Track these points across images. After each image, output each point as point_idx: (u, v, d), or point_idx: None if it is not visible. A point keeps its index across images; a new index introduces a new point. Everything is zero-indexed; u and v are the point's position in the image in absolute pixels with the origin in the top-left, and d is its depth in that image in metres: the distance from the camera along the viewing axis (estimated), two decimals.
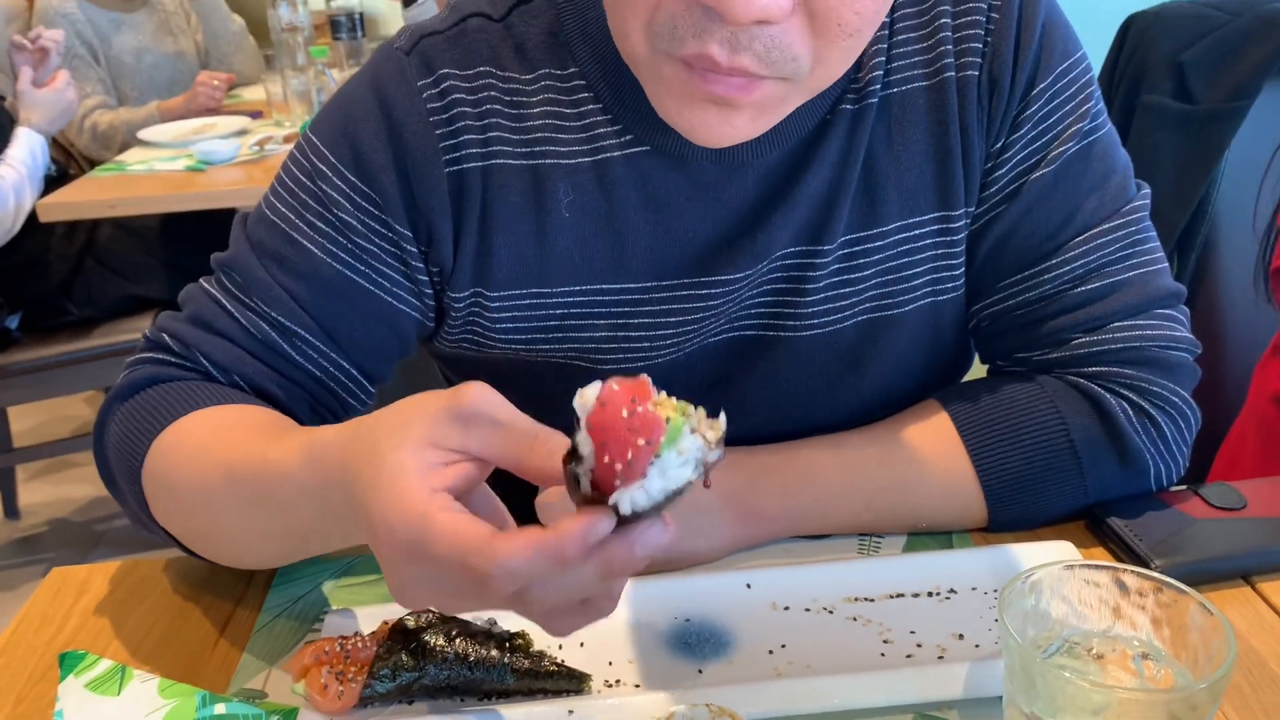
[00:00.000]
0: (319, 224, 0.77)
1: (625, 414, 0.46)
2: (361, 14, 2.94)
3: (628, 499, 0.47)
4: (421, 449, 0.51)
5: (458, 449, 0.52)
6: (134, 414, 0.75)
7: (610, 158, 0.76)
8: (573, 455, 0.48)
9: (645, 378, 0.48)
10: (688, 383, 0.83)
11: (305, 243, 0.76)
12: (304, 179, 0.78)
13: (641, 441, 0.46)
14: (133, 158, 2.60)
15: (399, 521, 0.50)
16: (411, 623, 0.65)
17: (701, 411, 0.49)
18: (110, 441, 0.77)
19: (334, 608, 0.75)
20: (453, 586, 0.50)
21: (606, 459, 0.47)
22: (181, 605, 0.77)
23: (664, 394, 0.48)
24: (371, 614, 0.71)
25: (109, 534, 2.69)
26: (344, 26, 2.89)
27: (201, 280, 0.80)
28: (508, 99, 0.77)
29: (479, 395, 0.52)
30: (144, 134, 2.72)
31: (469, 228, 0.77)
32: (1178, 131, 1.34)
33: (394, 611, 0.70)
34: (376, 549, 0.52)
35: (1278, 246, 1.16)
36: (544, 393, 0.71)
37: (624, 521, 0.48)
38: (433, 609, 0.66)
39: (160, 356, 0.78)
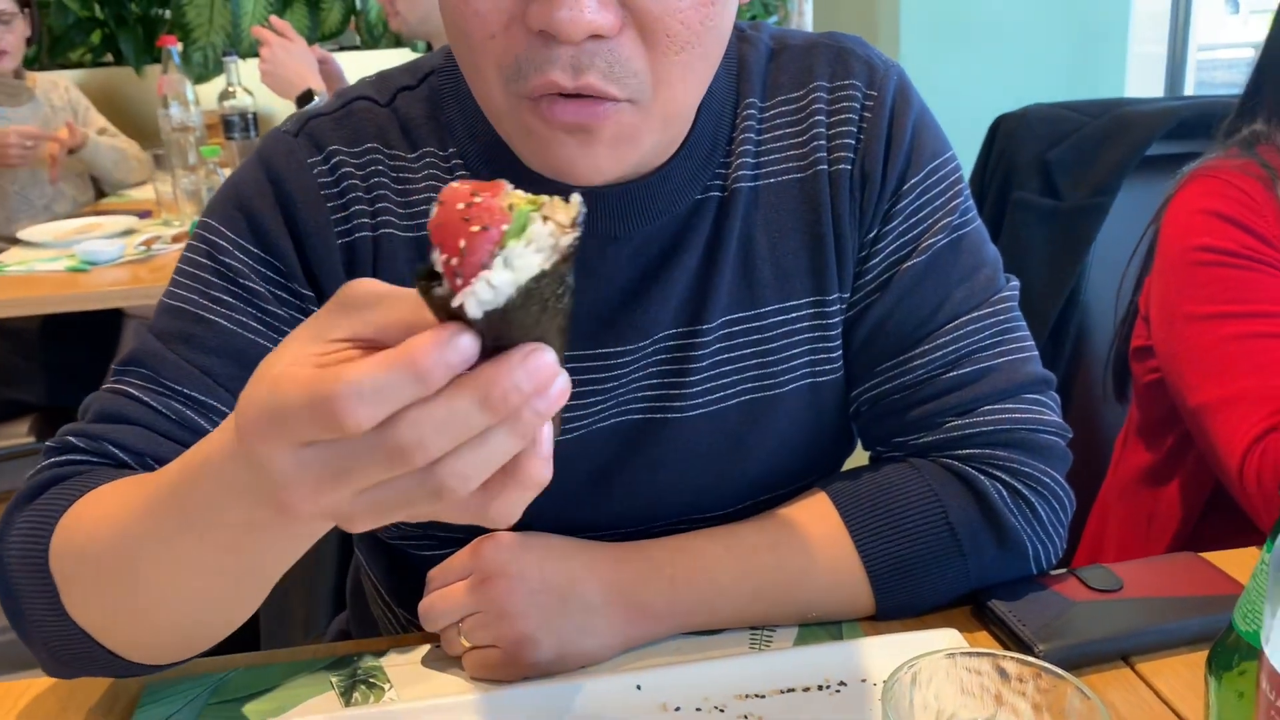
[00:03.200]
0: (225, 298, 0.76)
1: (462, 206, 0.42)
2: (255, 114, 2.91)
3: (472, 297, 0.42)
4: (305, 344, 0.47)
5: (347, 338, 0.48)
6: (37, 511, 0.69)
7: None
8: (431, 276, 0.43)
9: (501, 181, 0.44)
10: (577, 471, 0.82)
11: (214, 318, 0.75)
12: (204, 260, 0.77)
13: (476, 228, 0.42)
14: (11, 259, 2.52)
15: (255, 389, 0.46)
16: None
17: (557, 200, 0.44)
18: (10, 549, 0.69)
19: None
20: (320, 458, 0.45)
21: (444, 257, 0.42)
22: None
23: (518, 191, 0.44)
24: None
25: None
26: (237, 126, 2.86)
27: (102, 387, 0.77)
28: (394, 174, 0.79)
29: (360, 284, 0.49)
30: (24, 234, 2.64)
31: None
32: (1047, 226, 1.41)
33: None
34: (243, 440, 0.47)
35: (1136, 327, 1.21)
36: None
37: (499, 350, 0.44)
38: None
39: (64, 458, 0.73)
